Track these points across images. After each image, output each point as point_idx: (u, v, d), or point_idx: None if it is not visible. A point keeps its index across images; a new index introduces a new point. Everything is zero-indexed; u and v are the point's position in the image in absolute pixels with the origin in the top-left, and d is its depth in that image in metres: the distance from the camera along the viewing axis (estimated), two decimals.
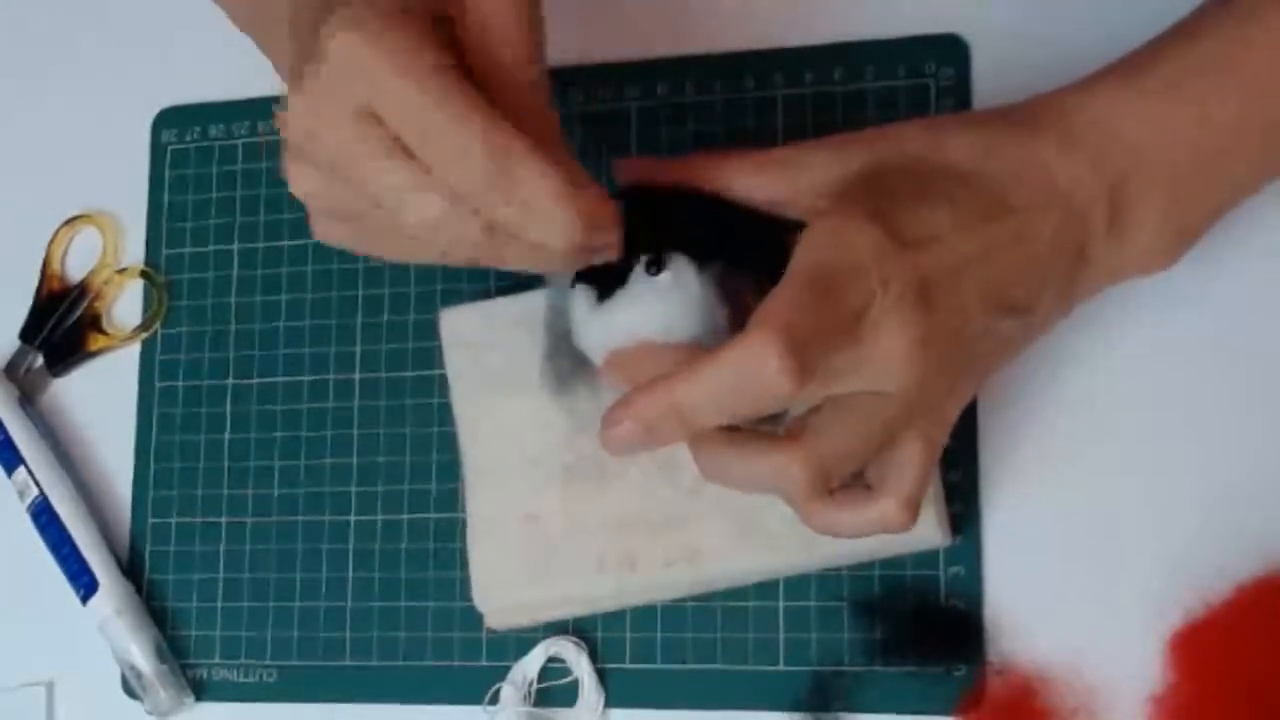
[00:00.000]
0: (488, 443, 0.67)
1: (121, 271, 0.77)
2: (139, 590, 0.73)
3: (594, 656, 0.66)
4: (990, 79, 0.66)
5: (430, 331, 0.69)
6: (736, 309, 0.55)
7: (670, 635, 0.66)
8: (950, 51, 0.67)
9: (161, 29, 0.78)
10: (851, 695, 0.63)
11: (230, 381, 0.73)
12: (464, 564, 0.67)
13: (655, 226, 0.56)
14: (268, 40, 0.61)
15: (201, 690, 0.71)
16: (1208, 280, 0.62)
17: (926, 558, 0.63)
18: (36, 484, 0.74)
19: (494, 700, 0.67)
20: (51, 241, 0.78)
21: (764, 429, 0.54)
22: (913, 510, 0.55)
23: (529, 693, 0.67)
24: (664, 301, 0.55)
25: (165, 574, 0.73)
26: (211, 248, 0.75)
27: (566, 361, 0.59)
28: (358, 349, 0.72)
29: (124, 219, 0.77)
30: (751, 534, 0.62)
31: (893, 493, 0.55)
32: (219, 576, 0.72)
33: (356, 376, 0.72)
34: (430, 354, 0.70)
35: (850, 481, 0.55)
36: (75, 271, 0.78)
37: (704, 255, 0.55)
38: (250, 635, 0.71)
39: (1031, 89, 0.58)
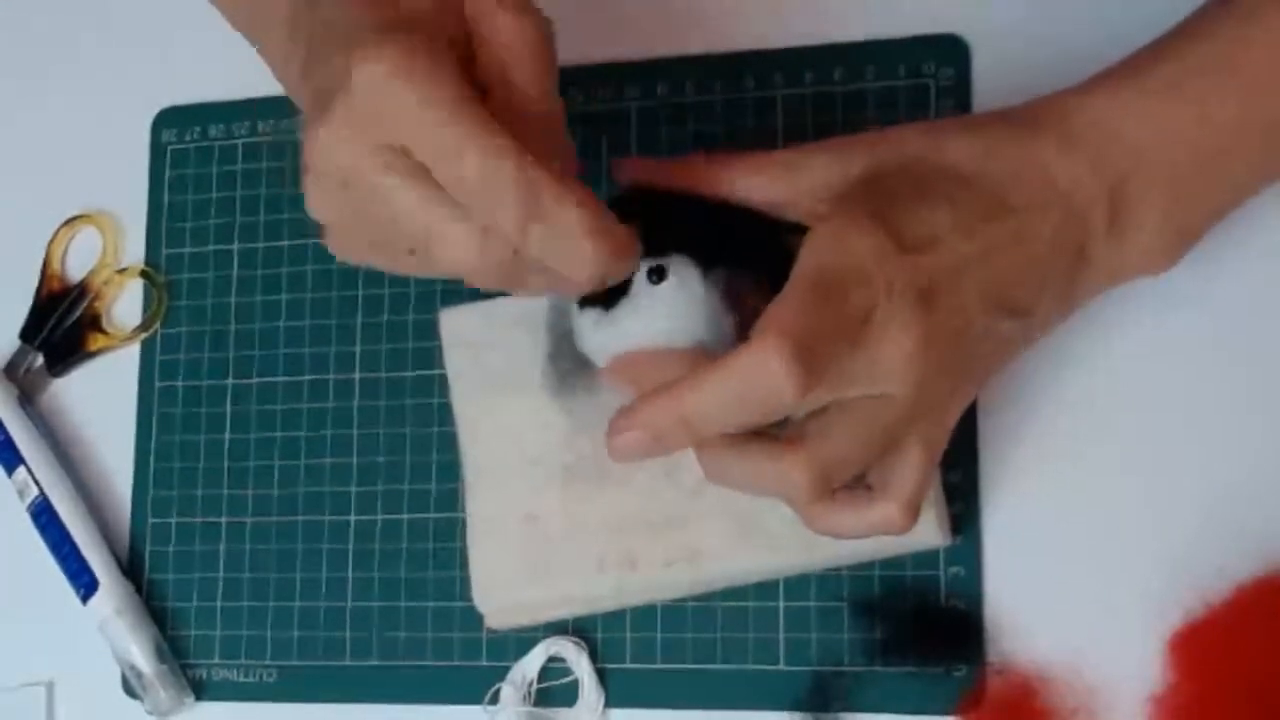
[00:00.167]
0: (488, 443, 0.67)
1: (121, 271, 0.77)
2: (139, 590, 0.73)
3: (594, 656, 0.66)
4: (990, 79, 0.66)
5: (430, 331, 0.69)
6: (739, 312, 0.55)
7: (670, 635, 0.66)
8: (950, 51, 0.67)
9: (161, 29, 0.78)
10: (851, 695, 0.63)
11: (230, 381, 0.73)
12: (464, 564, 0.67)
13: (657, 230, 0.56)
14: (265, 40, 0.61)
15: (201, 690, 0.71)
16: (1208, 280, 0.62)
17: (926, 558, 0.63)
18: (36, 484, 0.74)
19: (494, 700, 0.67)
20: (51, 241, 0.78)
21: (768, 431, 0.54)
22: (913, 512, 0.55)
23: (529, 693, 0.67)
24: (668, 308, 0.55)
25: (165, 574, 0.73)
26: (211, 248, 0.75)
27: (568, 363, 0.59)
28: (358, 349, 0.72)
29: (124, 219, 0.77)
30: (752, 534, 0.62)
31: (894, 495, 0.55)
32: (219, 576, 0.72)
33: (356, 376, 0.72)
34: (430, 354, 0.70)
35: (851, 483, 0.55)
36: (75, 271, 0.78)
37: (707, 259, 0.55)
38: (250, 635, 0.71)
39: (1031, 89, 0.58)
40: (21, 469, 0.74)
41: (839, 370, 0.51)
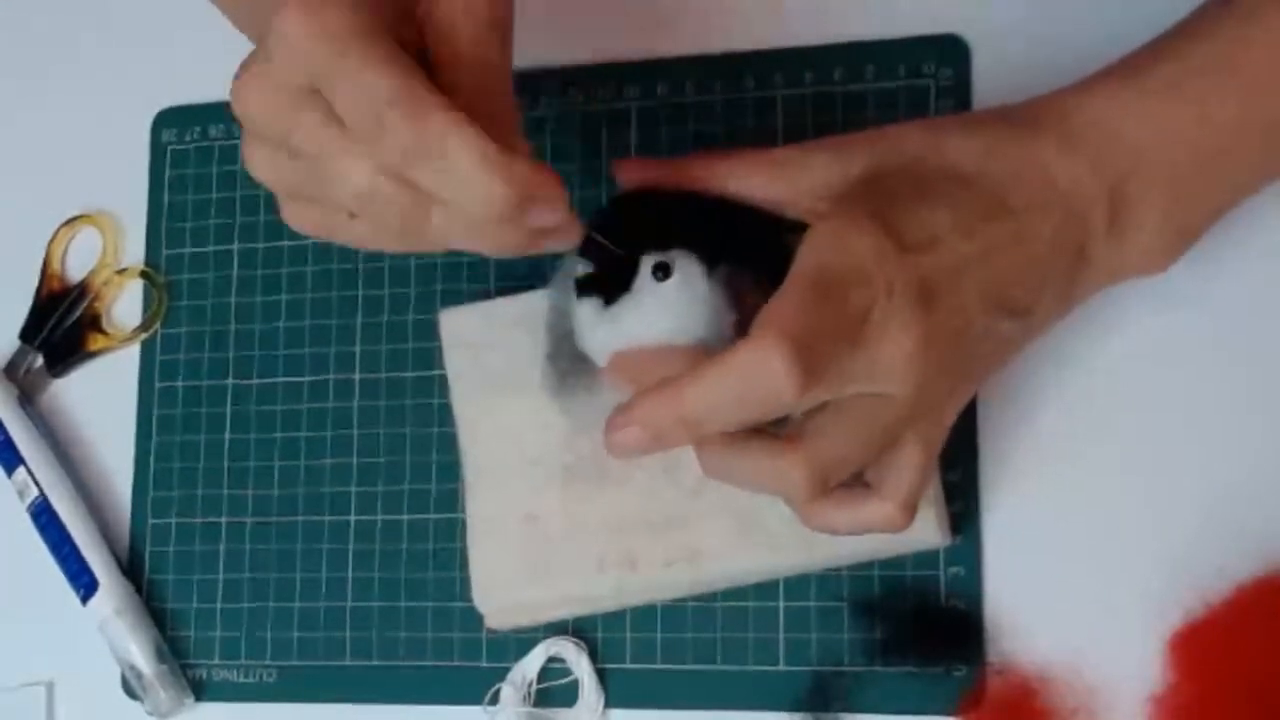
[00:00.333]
0: (488, 443, 0.67)
1: (121, 272, 0.77)
2: (139, 590, 0.73)
3: (594, 656, 0.66)
4: (990, 79, 0.66)
5: (430, 332, 0.69)
6: (740, 310, 0.55)
7: (670, 635, 0.66)
8: (950, 51, 0.67)
9: (161, 29, 0.78)
10: (851, 695, 0.63)
11: (230, 382, 0.73)
12: (464, 564, 0.67)
13: (660, 226, 0.56)
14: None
15: (201, 690, 0.71)
16: (1207, 280, 0.62)
17: (926, 558, 0.63)
18: (36, 484, 0.74)
19: (494, 700, 0.67)
20: (51, 241, 0.78)
21: (767, 428, 0.54)
22: (910, 511, 0.55)
23: (529, 693, 0.67)
24: (671, 306, 0.55)
25: (165, 574, 0.73)
26: (211, 248, 0.75)
27: (567, 363, 0.59)
28: (358, 349, 0.72)
29: (124, 219, 0.77)
30: (752, 534, 0.62)
31: (891, 494, 0.55)
32: (219, 577, 0.72)
33: (356, 377, 0.72)
34: (430, 354, 0.70)
35: (849, 481, 0.55)
36: (75, 271, 0.78)
37: (709, 256, 0.55)
38: (250, 636, 0.71)
39: (1031, 89, 0.58)
40: (21, 469, 0.74)
41: (838, 369, 0.51)
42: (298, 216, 0.56)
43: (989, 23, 0.66)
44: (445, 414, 0.69)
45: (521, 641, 0.67)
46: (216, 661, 0.71)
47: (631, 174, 0.60)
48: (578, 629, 0.67)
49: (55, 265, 0.78)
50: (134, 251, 0.77)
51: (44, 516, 0.73)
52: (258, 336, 0.73)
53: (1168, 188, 0.56)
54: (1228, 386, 0.62)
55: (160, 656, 0.71)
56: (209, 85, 0.76)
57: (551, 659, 0.67)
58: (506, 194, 0.50)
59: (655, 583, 0.64)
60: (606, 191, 0.69)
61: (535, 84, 0.71)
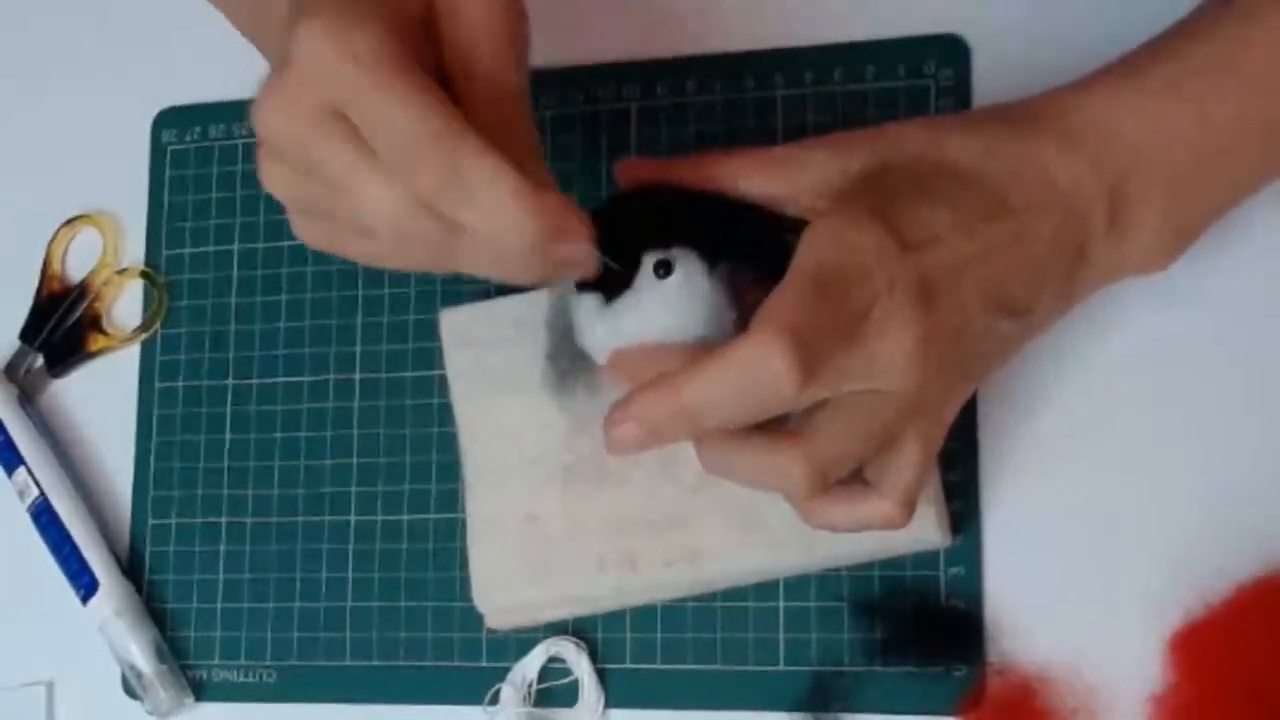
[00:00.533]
0: (488, 443, 0.67)
1: (121, 272, 0.77)
2: (139, 590, 0.73)
3: (594, 656, 0.66)
4: (990, 79, 0.66)
5: (430, 332, 0.69)
6: (741, 308, 0.55)
7: (670, 635, 0.66)
8: (950, 51, 0.67)
9: (161, 29, 0.78)
10: (851, 695, 0.63)
11: (230, 382, 0.73)
12: (464, 564, 0.67)
13: (661, 223, 0.56)
14: (265, 42, 0.61)
15: (201, 690, 0.71)
16: (1207, 280, 0.62)
17: (926, 558, 0.63)
18: (36, 484, 0.74)
19: (494, 700, 0.67)
20: (51, 241, 0.78)
21: (767, 425, 0.54)
22: (909, 509, 0.55)
23: (529, 693, 0.67)
24: (673, 304, 0.55)
25: (165, 574, 0.73)
26: (211, 248, 0.75)
27: (567, 362, 0.59)
28: (358, 349, 0.72)
29: (124, 219, 0.77)
30: (752, 534, 0.62)
31: (889, 492, 0.55)
32: (219, 577, 0.72)
33: (356, 377, 0.72)
34: (430, 354, 0.70)
35: (849, 479, 0.55)
36: (75, 272, 0.78)
37: (710, 254, 0.55)
38: (250, 635, 0.71)
39: (1031, 89, 0.58)
40: (21, 469, 0.74)
41: (837, 366, 0.51)
42: (308, 231, 0.56)
43: (989, 23, 0.66)
44: (445, 414, 0.69)
45: (521, 641, 0.67)
46: (216, 661, 0.71)
47: (632, 173, 0.60)
48: (578, 629, 0.67)
49: (55, 265, 0.78)
50: (134, 251, 0.77)
51: (44, 516, 0.73)
52: (258, 336, 0.73)
53: (1167, 187, 0.56)
54: (1228, 386, 0.62)
55: (160, 656, 0.71)
56: (209, 85, 0.76)
57: (551, 659, 0.67)
58: (538, 227, 0.50)
59: (655, 583, 0.64)
60: (607, 191, 0.69)
61: (535, 84, 0.71)
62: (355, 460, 0.71)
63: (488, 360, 0.67)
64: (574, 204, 0.52)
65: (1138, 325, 0.63)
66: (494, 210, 0.50)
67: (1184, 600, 0.60)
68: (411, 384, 0.71)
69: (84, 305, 0.77)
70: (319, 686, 0.70)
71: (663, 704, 0.66)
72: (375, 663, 0.69)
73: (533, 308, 0.65)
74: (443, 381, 0.68)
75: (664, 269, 0.55)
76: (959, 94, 0.66)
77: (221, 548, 0.72)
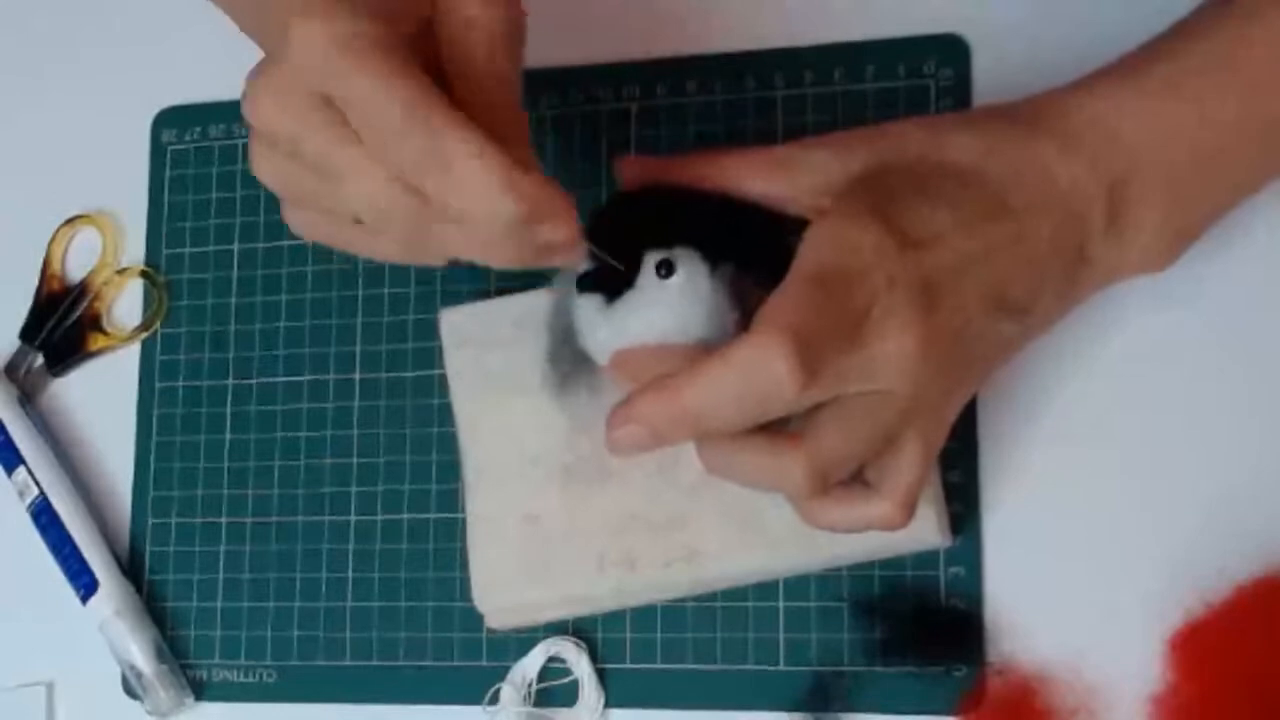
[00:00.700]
0: (488, 443, 0.67)
1: (121, 271, 0.77)
2: (139, 590, 0.73)
3: (594, 656, 0.66)
4: (990, 79, 0.66)
5: (430, 331, 0.69)
6: (743, 308, 0.55)
7: (670, 635, 0.66)
8: (950, 51, 0.67)
9: (161, 29, 0.78)
10: (851, 695, 0.63)
11: (230, 382, 0.73)
12: (464, 564, 0.67)
13: (662, 223, 0.56)
14: (270, 42, 0.61)
15: (201, 690, 0.71)
16: (1207, 280, 0.62)
17: (926, 558, 0.63)
18: (36, 484, 0.74)
19: (494, 700, 0.67)
20: (51, 241, 0.78)
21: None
22: (908, 510, 0.55)
23: (529, 693, 0.67)
24: (675, 304, 0.55)
25: (165, 574, 0.73)
26: (211, 248, 0.75)
27: (568, 364, 0.59)
28: (358, 349, 0.72)
29: (124, 219, 0.77)
30: (751, 534, 0.62)
31: (889, 493, 0.55)
32: (219, 576, 0.72)
33: (356, 377, 0.72)
34: (430, 354, 0.70)
35: (849, 479, 0.55)
36: (75, 271, 0.78)
37: (712, 254, 0.55)
38: (250, 635, 0.71)
39: (1031, 89, 0.58)
40: (21, 469, 0.74)
41: (838, 367, 0.51)
42: (300, 220, 0.57)
43: (989, 23, 0.66)
44: (445, 414, 0.69)
45: (521, 641, 0.67)
46: (216, 661, 0.71)
47: (633, 172, 0.60)
48: (578, 629, 0.67)
49: (55, 265, 0.78)
50: (134, 251, 0.77)
51: (44, 516, 0.73)
52: (258, 336, 0.73)
53: (1167, 187, 0.56)
54: (1228, 386, 0.62)
55: (160, 656, 0.71)
56: (209, 85, 0.76)
57: (551, 659, 0.67)
58: (516, 208, 0.51)
59: (655, 583, 0.64)
60: (607, 192, 0.69)
61: (535, 84, 0.71)
62: (355, 460, 0.71)
63: (488, 360, 0.67)
64: (559, 188, 0.52)
65: (1137, 325, 0.63)
66: (474, 188, 0.50)
67: (1184, 600, 0.60)
68: (411, 384, 0.71)
69: (84, 305, 0.77)
70: (319, 686, 0.70)
71: (663, 704, 0.66)
72: (375, 663, 0.69)
73: (533, 308, 0.65)
74: (443, 381, 0.68)
75: (666, 269, 0.55)
76: (959, 94, 0.66)
77: (221, 548, 0.72)
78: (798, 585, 0.64)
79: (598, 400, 0.58)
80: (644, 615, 0.66)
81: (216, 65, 0.74)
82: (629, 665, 0.66)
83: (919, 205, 0.54)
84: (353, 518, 0.71)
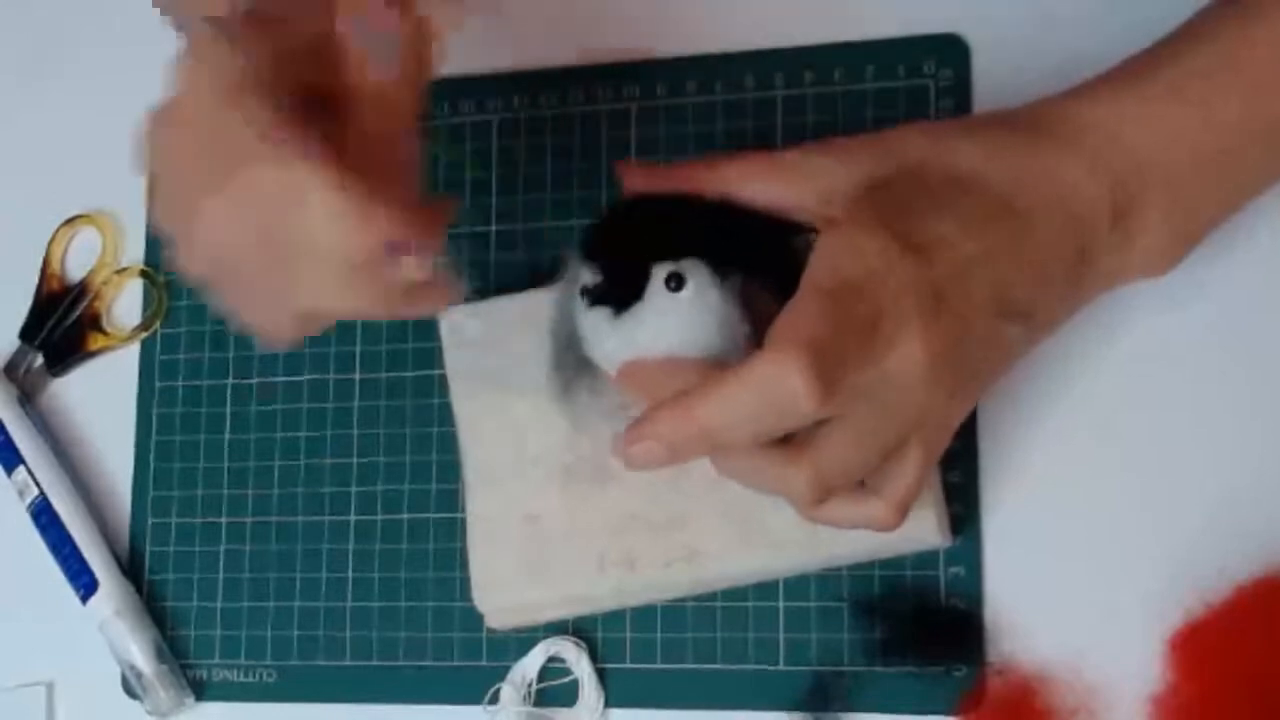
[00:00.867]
0: (488, 443, 0.67)
1: (121, 271, 0.77)
2: (139, 590, 0.73)
3: (594, 656, 0.66)
4: (990, 79, 0.66)
5: (430, 331, 0.69)
6: (753, 318, 0.55)
7: (670, 635, 0.66)
8: (950, 51, 0.67)
9: (161, 29, 0.78)
10: (851, 695, 0.63)
11: (230, 381, 0.73)
12: (464, 564, 0.67)
13: (669, 236, 0.55)
14: None
15: (201, 690, 0.71)
16: (1207, 280, 0.62)
17: (926, 558, 0.63)
18: (36, 484, 0.74)
19: (494, 700, 0.67)
20: (51, 241, 0.78)
21: None
22: (903, 513, 0.56)
23: (529, 693, 0.67)
24: (686, 317, 0.54)
25: (165, 574, 0.73)
26: None
27: (571, 369, 0.59)
28: (358, 349, 0.72)
29: (124, 219, 0.77)
30: (751, 534, 0.62)
31: (886, 495, 0.55)
32: (219, 576, 0.72)
33: (356, 377, 0.72)
34: (430, 354, 0.70)
35: None
36: (75, 271, 0.78)
37: (721, 265, 0.55)
38: (250, 635, 0.71)
39: (1031, 88, 0.58)
40: (21, 469, 0.74)
41: (854, 380, 0.51)
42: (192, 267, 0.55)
43: (989, 23, 0.66)
44: (445, 414, 0.69)
45: (521, 641, 0.67)
46: (216, 661, 0.71)
47: (635, 179, 0.60)
48: (578, 629, 0.67)
49: (55, 265, 0.78)
50: (134, 251, 0.77)
51: (44, 516, 0.73)
52: None
53: (1171, 191, 0.56)
54: (1227, 387, 0.62)
55: (160, 656, 0.71)
56: None
57: (551, 659, 0.67)
58: (363, 239, 0.49)
59: (655, 583, 0.64)
60: (606, 192, 0.69)
61: (535, 84, 0.71)
62: (355, 460, 0.71)
63: (488, 360, 0.67)
64: (421, 218, 0.51)
65: (1137, 326, 0.63)
66: (318, 219, 0.49)
67: (1184, 600, 0.60)
68: (411, 384, 0.71)
69: (84, 304, 0.77)
70: (319, 686, 0.70)
71: (663, 704, 0.66)
72: (375, 663, 0.69)
73: (533, 308, 0.65)
74: (443, 381, 0.68)
75: (676, 282, 0.54)
76: (959, 94, 0.66)
77: (221, 547, 0.72)
78: (798, 585, 0.64)
79: (600, 404, 0.58)
80: (644, 615, 0.66)
81: None
82: (629, 665, 0.66)
83: (924, 212, 0.54)
84: (353, 518, 0.71)
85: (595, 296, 0.56)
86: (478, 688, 0.67)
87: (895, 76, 0.67)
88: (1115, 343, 0.63)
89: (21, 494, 0.74)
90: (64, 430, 0.76)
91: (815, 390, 0.50)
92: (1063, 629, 0.61)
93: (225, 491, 0.73)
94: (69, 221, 0.78)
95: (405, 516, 0.70)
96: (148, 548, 0.73)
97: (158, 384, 0.75)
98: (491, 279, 0.70)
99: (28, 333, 0.77)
